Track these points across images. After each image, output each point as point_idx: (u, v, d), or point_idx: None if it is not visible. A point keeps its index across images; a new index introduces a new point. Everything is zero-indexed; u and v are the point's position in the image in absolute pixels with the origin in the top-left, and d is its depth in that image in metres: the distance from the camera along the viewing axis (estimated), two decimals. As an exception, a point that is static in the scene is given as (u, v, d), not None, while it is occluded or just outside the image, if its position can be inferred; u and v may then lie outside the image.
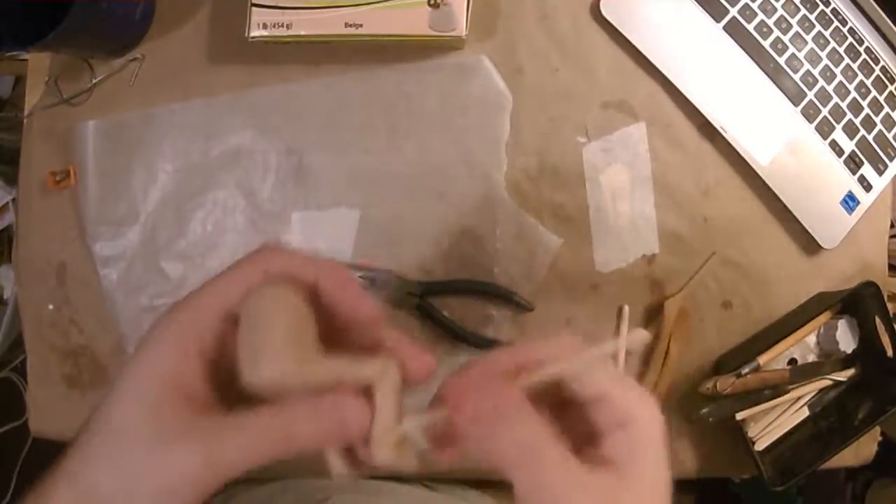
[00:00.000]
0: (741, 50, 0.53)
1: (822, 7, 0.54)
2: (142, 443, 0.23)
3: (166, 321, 0.25)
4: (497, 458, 0.24)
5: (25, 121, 0.58)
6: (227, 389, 0.25)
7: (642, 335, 0.27)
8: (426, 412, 0.26)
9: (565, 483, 0.24)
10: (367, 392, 0.24)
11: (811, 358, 0.55)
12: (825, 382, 0.55)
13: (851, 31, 0.55)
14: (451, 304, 0.54)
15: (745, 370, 0.51)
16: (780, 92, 0.54)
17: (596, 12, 0.54)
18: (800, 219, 0.54)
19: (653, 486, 0.26)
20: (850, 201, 0.55)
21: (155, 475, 0.23)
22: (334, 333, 0.26)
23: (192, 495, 0.23)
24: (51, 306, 0.57)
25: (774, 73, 0.53)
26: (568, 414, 0.28)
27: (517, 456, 0.24)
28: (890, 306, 0.52)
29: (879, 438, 0.56)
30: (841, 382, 0.55)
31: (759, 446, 0.53)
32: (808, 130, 0.54)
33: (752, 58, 0.53)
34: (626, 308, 0.55)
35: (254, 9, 0.51)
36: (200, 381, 0.25)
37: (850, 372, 0.55)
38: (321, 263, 0.26)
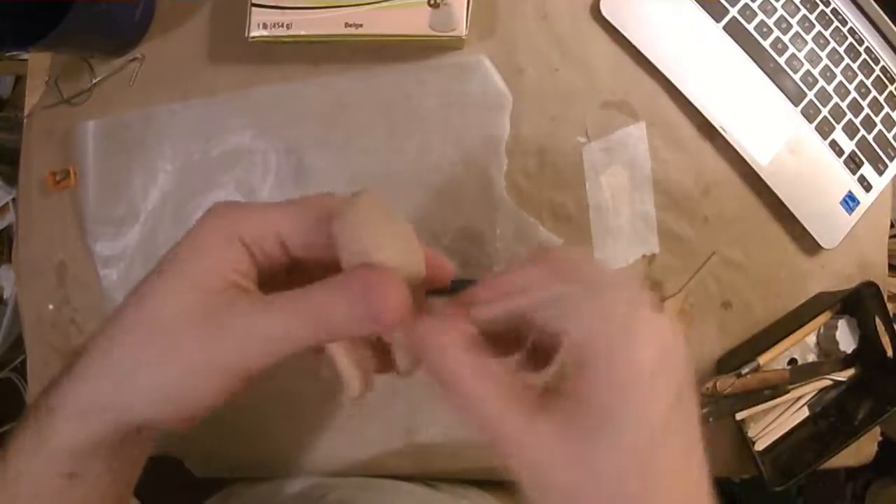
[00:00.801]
0: (741, 50, 0.53)
1: (822, 7, 0.54)
2: (191, 325, 0.23)
3: (220, 223, 0.24)
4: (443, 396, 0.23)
5: (25, 121, 0.58)
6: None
7: None
8: None
9: (510, 437, 0.21)
10: None
11: (811, 358, 0.55)
12: (825, 382, 0.55)
13: (851, 31, 0.55)
14: (451, 304, 0.54)
15: (745, 370, 0.51)
16: (780, 92, 0.53)
17: (596, 12, 0.54)
18: (800, 219, 0.54)
19: (625, 458, 0.20)
20: (850, 201, 0.55)
21: (209, 362, 0.22)
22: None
23: (244, 378, 0.23)
24: (51, 306, 0.57)
25: (774, 73, 0.53)
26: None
27: (450, 398, 0.23)
28: (890, 306, 0.52)
29: (879, 438, 0.56)
30: (841, 382, 0.55)
31: (759, 446, 0.53)
32: (808, 130, 0.54)
33: (752, 58, 0.53)
34: (626, 308, 0.55)
35: (254, 9, 0.51)
36: (248, 273, 0.24)
37: (850, 372, 0.55)
38: None
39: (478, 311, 0.24)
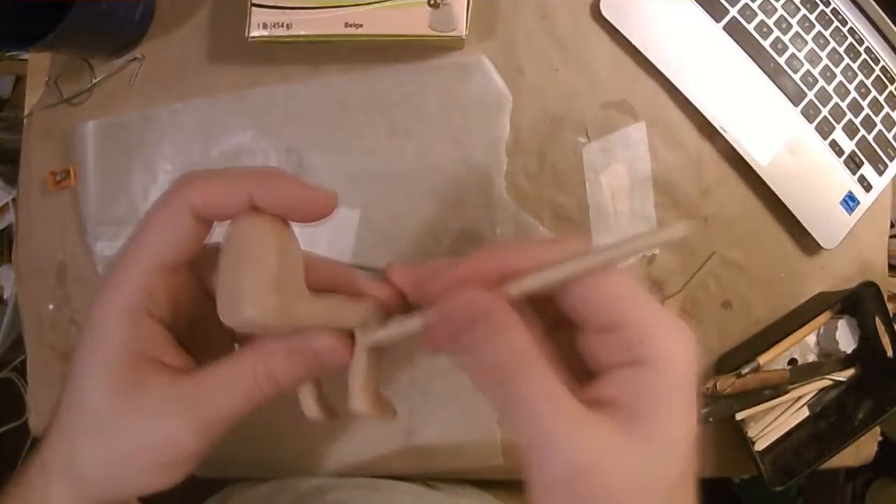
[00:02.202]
0: (741, 50, 0.53)
1: (822, 7, 0.54)
2: (123, 423, 0.22)
3: (103, 298, 0.23)
4: (476, 378, 0.21)
5: (25, 121, 0.58)
6: (196, 339, 0.25)
7: (678, 230, 0.20)
8: (402, 322, 0.23)
9: (550, 416, 0.19)
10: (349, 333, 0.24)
11: (811, 358, 0.55)
12: (825, 382, 0.55)
13: (851, 31, 0.55)
14: (450, 304, 0.54)
15: (745, 370, 0.51)
16: (780, 92, 0.53)
17: (596, 12, 0.54)
18: (800, 219, 0.54)
19: (674, 448, 0.20)
20: (850, 201, 0.55)
21: (145, 452, 0.22)
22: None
23: (188, 460, 0.23)
24: (51, 306, 0.57)
25: (774, 73, 0.53)
26: (566, 340, 0.22)
27: (497, 376, 0.20)
28: (890, 306, 0.52)
29: (879, 438, 0.56)
30: (841, 382, 0.55)
31: (759, 446, 0.53)
32: (808, 130, 0.54)
33: (752, 58, 0.53)
34: (626, 308, 0.55)
35: (254, 9, 0.51)
36: (165, 343, 0.23)
37: (850, 372, 0.55)
38: (249, 176, 0.22)
39: (520, 285, 0.21)
